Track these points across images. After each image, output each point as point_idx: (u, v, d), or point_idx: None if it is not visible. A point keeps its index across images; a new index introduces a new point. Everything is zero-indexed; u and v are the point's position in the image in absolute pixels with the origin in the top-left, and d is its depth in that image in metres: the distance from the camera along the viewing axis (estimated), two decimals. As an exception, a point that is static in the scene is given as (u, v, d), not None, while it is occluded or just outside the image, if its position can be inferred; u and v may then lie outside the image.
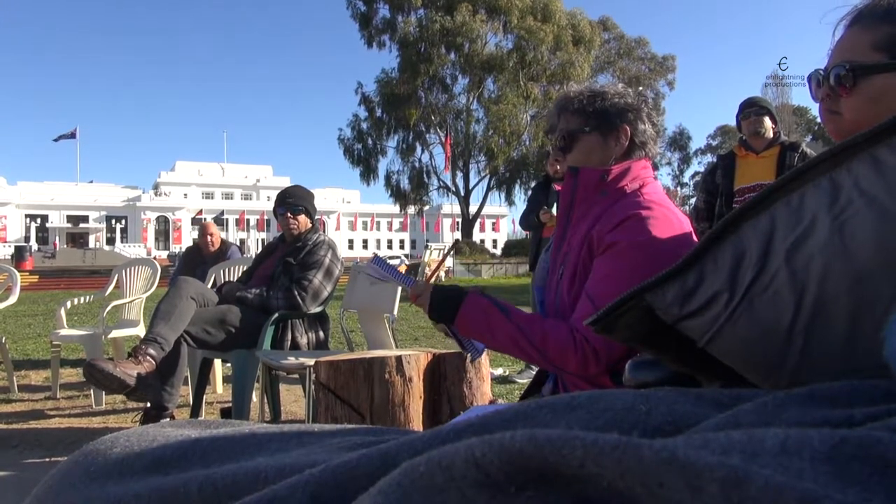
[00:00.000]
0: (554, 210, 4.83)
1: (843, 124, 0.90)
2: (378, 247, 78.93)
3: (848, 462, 0.31)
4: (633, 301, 0.65)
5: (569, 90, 1.50)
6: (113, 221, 70.54)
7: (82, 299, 4.74)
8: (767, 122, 3.78)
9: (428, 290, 1.46)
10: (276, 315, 3.15)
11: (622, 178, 1.40)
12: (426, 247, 27.87)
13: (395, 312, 3.08)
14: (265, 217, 64.79)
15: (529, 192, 5.34)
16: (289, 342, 3.21)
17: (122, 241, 67.79)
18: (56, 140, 66.80)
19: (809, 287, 0.56)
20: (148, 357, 2.74)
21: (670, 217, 1.33)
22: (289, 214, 3.43)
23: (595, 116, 1.43)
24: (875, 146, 0.53)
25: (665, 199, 1.40)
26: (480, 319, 1.38)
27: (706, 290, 0.62)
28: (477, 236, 48.93)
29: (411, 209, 42.68)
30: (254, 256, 3.84)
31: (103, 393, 3.75)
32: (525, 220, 5.30)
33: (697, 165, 54.82)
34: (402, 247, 78.17)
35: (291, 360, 2.85)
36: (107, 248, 62.48)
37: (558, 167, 1.59)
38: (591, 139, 1.44)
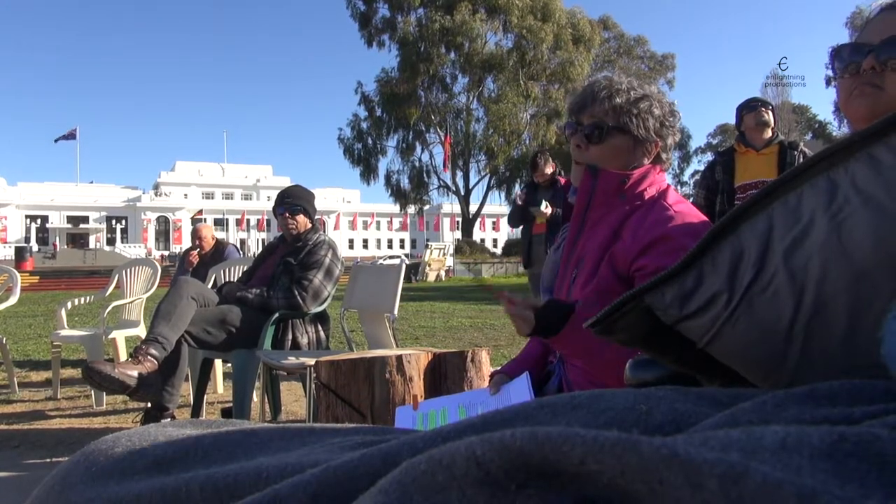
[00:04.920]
0: (542, 206, 4.86)
1: (882, 99, 0.88)
2: (378, 246, 78.92)
3: (846, 459, 0.31)
4: (633, 302, 0.65)
5: (616, 79, 1.42)
6: (113, 222, 70.55)
7: (83, 300, 4.74)
8: (772, 115, 3.83)
9: (529, 311, 1.27)
10: (277, 315, 3.15)
11: (641, 184, 1.37)
12: (426, 246, 27.90)
13: (396, 312, 3.08)
14: (265, 217, 64.78)
15: (518, 191, 5.42)
16: (289, 342, 3.21)
17: (122, 242, 67.79)
18: (57, 140, 66.80)
19: (808, 286, 0.56)
20: (149, 357, 2.75)
21: (701, 225, 1.30)
22: (287, 214, 3.43)
23: (635, 120, 1.38)
24: (873, 145, 0.53)
25: (687, 204, 1.39)
26: (583, 338, 1.24)
27: (705, 290, 0.62)
28: (477, 235, 48.97)
29: (411, 208, 42.67)
30: (254, 256, 3.85)
31: (104, 393, 3.75)
32: (512, 216, 5.35)
33: (697, 164, 54.82)
34: (402, 246, 78.14)
35: (292, 359, 2.85)
36: (107, 248, 62.49)
37: (574, 160, 1.50)
38: (623, 140, 1.39)
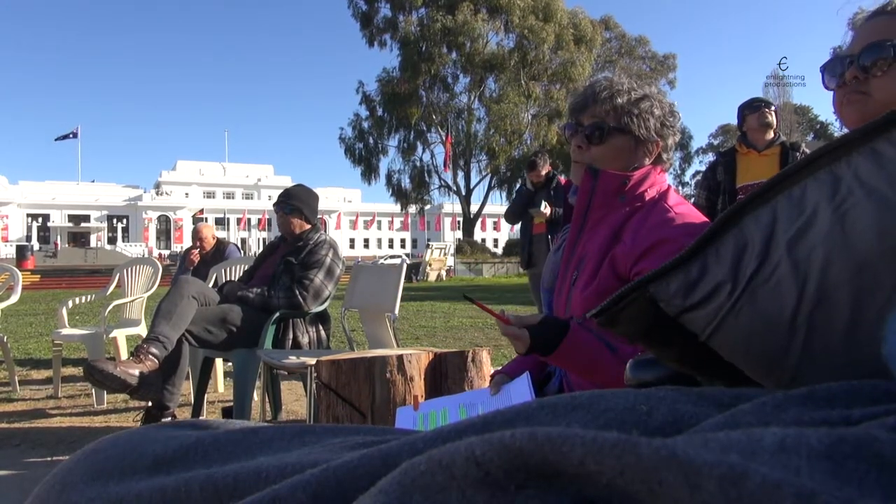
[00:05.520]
0: (541, 207, 4.89)
1: (870, 105, 0.90)
2: (379, 246, 78.96)
3: (845, 460, 0.31)
4: (637, 292, 0.65)
5: (616, 80, 1.42)
6: (114, 221, 70.60)
7: (84, 298, 4.74)
8: (774, 116, 3.82)
9: (523, 330, 1.26)
10: (278, 314, 3.16)
11: (641, 185, 1.37)
12: (427, 246, 27.92)
13: (397, 311, 3.08)
14: (266, 216, 64.86)
15: (514, 194, 5.44)
16: (290, 341, 3.21)
17: (123, 241, 67.85)
18: (57, 139, 66.91)
19: (811, 277, 0.56)
20: (150, 356, 2.75)
21: (702, 227, 1.29)
22: (281, 214, 3.46)
23: (636, 120, 1.38)
24: (874, 139, 0.54)
25: (687, 205, 1.38)
26: (583, 352, 1.26)
27: (709, 281, 0.62)
28: (478, 235, 48.93)
29: (412, 208, 42.66)
30: (255, 256, 3.86)
31: (105, 392, 3.76)
32: (509, 213, 5.38)
33: (699, 164, 54.91)
34: (402, 246, 78.17)
35: (292, 359, 2.85)
36: (108, 247, 62.54)
37: (574, 161, 1.49)
38: (624, 141, 1.39)
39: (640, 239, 1.29)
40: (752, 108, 3.83)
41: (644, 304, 0.65)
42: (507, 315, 1.29)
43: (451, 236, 48.52)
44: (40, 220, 68.13)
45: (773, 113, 3.82)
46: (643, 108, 1.38)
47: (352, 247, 76.34)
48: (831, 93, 0.98)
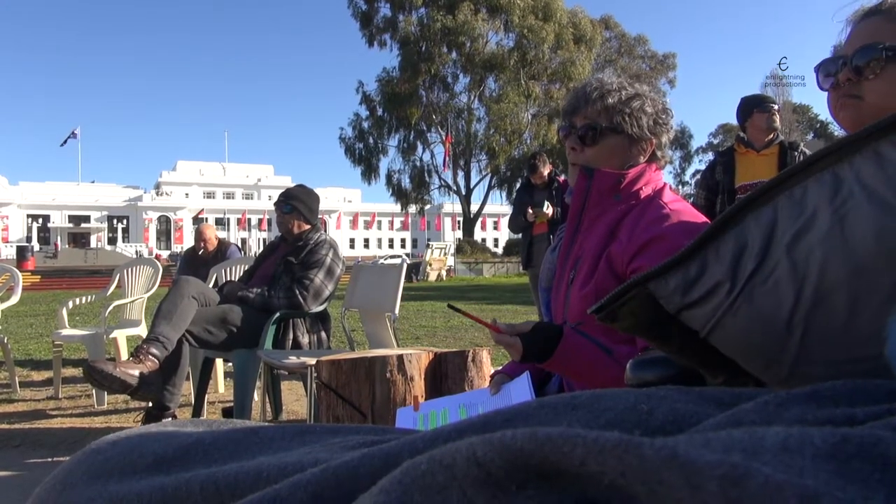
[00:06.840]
0: (543, 207, 4.90)
1: (863, 109, 0.90)
2: (379, 246, 78.94)
3: (849, 460, 0.31)
4: (637, 289, 0.65)
5: (606, 80, 1.43)
6: (114, 221, 70.61)
7: (84, 299, 4.74)
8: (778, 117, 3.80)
9: (516, 338, 1.25)
10: (278, 314, 3.16)
11: (636, 183, 1.37)
12: (427, 246, 27.95)
13: (397, 311, 3.08)
14: (267, 216, 64.88)
15: (514, 195, 5.40)
16: (290, 341, 3.21)
17: (123, 241, 67.86)
18: (62, 144, 66.82)
19: (809, 278, 0.56)
20: (150, 356, 2.75)
21: (698, 224, 1.30)
22: (281, 214, 3.48)
23: (628, 119, 1.38)
24: (878, 141, 0.54)
25: (683, 202, 1.39)
26: (579, 357, 1.25)
27: (708, 279, 0.62)
28: (478, 235, 48.92)
29: (412, 208, 42.65)
30: (255, 256, 3.87)
31: (105, 393, 3.76)
32: (514, 223, 5.38)
33: (699, 163, 54.98)
34: (402, 246, 78.17)
35: (293, 359, 2.85)
36: (108, 247, 62.54)
37: (570, 162, 1.49)
38: (617, 140, 1.39)
39: (635, 236, 1.29)
40: (762, 108, 3.75)
41: (643, 301, 0.65)
42: (498, 324, 1.28)
43: (452, 236, 48.54)
44: (40, 220, 68.13)
45: (777, 115, 3.81)
46: (635, 107, 1.39)
47: (352, 247, 76.30)
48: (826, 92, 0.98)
